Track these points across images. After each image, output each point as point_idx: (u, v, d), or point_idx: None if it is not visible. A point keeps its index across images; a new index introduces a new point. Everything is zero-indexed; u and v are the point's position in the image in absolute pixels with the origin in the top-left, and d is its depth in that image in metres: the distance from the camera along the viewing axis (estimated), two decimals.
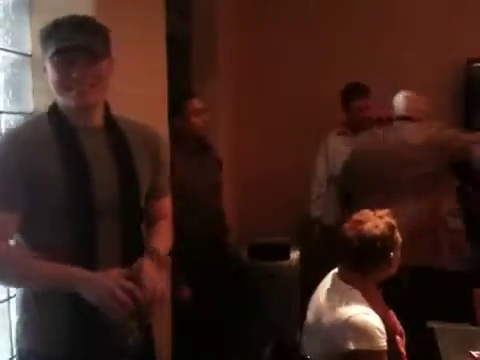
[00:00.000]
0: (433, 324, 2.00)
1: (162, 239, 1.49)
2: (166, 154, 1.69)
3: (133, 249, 1.38)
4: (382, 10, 3.50)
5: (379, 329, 1.56)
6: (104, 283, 1.23)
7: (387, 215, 1.73)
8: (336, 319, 1.59)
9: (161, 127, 2.21)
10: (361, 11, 3.51)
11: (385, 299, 1.78)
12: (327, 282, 1.75)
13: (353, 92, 3.09)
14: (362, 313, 1.58)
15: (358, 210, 1.77)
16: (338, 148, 3.12)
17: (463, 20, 3.41)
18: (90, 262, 1.29)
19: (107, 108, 1.43)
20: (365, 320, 1.56)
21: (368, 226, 1.67)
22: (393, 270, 1.73)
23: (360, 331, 1.55)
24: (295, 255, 3.11)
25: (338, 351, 1.56)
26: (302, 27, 3.56)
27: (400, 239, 1.72)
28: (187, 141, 2.57)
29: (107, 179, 1.35)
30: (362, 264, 1.67)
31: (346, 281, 1.68)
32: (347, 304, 1.61)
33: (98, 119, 1.39)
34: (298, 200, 3.29)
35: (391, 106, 2.78)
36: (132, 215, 1.41)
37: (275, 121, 3.55)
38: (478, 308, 2.28)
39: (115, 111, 1.44)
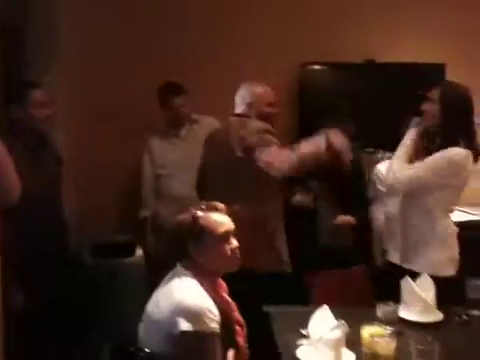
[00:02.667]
0: (269, 308, 2.13)
1: None
2: None
3: None
4: (216, 11, 3.59)
5: (209, 311, 1.62)
6: None
7: (215, 208, 1.80)
8: (169, 304, 1.63)
9: None
10: (195, 11, 3.57)
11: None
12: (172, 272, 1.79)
13: (168, 91, 3.17)
14: (193, 296, 1.64)
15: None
16: (163, 146, 3.22)
17: (297, 25, 3.65)
18: None
19: None
20: (195, 302, 1.61)
21: (184, 216, 1.77)
22: (225, 263, 1.79)
23: (190, 313, 1.59)
24: (140, 252, 3.09)
25: (170, 335, 1.60)
26: (137, 22, 3.52)
27: (220, 230, 1.76)
28: (25, 134, 2.43)
29: None
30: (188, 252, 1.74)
31: (185, 267, 1.74)
32: (180, 289, 1.66)
33: None
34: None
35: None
36: None
37: (117, 116, 3.47)
38: (310, 289, 2.49)
39: None
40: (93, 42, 3.41)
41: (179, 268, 1.76)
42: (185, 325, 1.58)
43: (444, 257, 2.35)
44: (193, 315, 1.59)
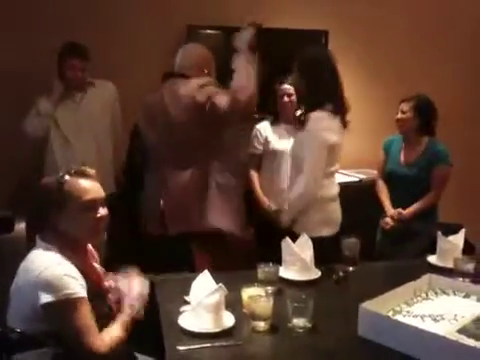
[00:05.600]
0: (152, 277, 2.11)
1: None
2: None
3: None
4: None
5: (70, 277, 1.56)
6: None
7: (84, 173, 1.71)
8: (27, 280, 1.56)
9: None
10: None
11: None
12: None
13: (68, 52, 3.00)
14: (52, 265, 1.56)
15: None
16: (59, 112, 3.04)
17: None
18: None
19: None
20: (52, 272, 1.54)
21: (49, 179, 1.70)
22: (87, 233, 1.71)
23: (48, 284, 1.53)
24: (20, 227, 2.91)
25: (35, 311, 1.53)
26: None
27: (86, 198, 1.67)
28: None
29: None
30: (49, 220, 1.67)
31: (42, 239, 1.66)
32: (36, 262, 1.59)
33: None
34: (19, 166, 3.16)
35: None
36: None
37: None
38: (196, 256, 2.50)
39: None
40: None
41: (38, 241, 1.66)
42: (46, 297, 1.51)
43: (320, 219, 2.45)
44: (51, 285, 1.53)
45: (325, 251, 2.24)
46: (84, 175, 1.70)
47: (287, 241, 2.17)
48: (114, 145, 3.23)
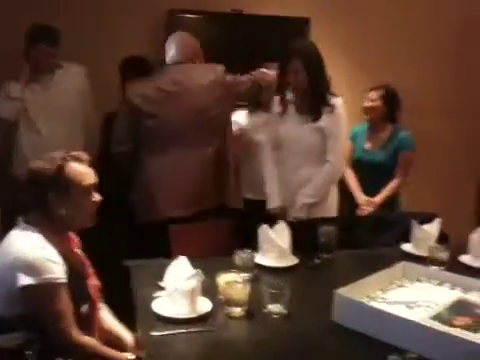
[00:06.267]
0: (129, 262, 2.09)
1: None
2: None
3: None
4: None
5: (50, 261, 1.55)
6: None
7: (79, 158, 1.69)
8: (6, 261, 1.54)
9: None
10: None
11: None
12: None
13: (37, 37, 2.83)
14: (30, 248, 1.55)
15: None
16: (26, 94, 2.90)
17: None
18: None
19: None
20: (33, 254, 1.53)
21: (36, 164, 1.65)
22: (86, 217, 1.71)
23: (28, 266, 1.51)
24: None
25: (14, 293, 1.51)
26: None
27: (87, 182, 1.68)
28: None
29: None
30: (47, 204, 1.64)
31: (27, 222, 1.64)
32: (16, 243, 1.57)
33: None
34: None
35: None
36: None
37: None
38: (173, 243, 2.48)
39: None
40: None
41: (21, 223, 1.65)
42: (26, 279, 1.50)
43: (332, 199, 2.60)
44: (32, 267, 1.51)
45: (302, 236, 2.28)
46: (80, 160, 1.70)
47: (264, 228, 2.16)
48: (86, 131, 3.03)
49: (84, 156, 1.72)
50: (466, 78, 4.26)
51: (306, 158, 2.55)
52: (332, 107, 2.51)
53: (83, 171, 1.69)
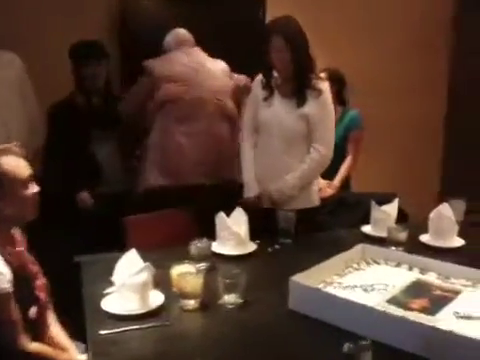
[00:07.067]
0: (80, 258, 2.01)
1: None
2: None
3: None
4: None
5: None
6: None
7: (10, 151, 1.61)
8: None
9: None
10: None
11: None
12: None
13: None
14: None
15: None
16: None
17: None
18: None
19: None
20: None
21: None
22: (27, 209, 1.64)
23: None
24: None
25: None
26: None
27: (24, 174, 1.61)
28: None
29: None
30: None
31: None
32: None
33: None
34: None
35: None
36: None
37: None
38: (128, 235, 2.40)
39: None
40: None
41: None
42: None
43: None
44: None
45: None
46: (11, 152, 1.62)
47: (221, 216, 2.11)
48: (28, 123, 2.71)
49: (14, 148, 1.64)
50: (426, 58, 4.27)
51: (290, 145, 2.40)
52: (318, 92, 2.37)
53: (16, 164, 1.61)
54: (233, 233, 2.08)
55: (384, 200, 2.40)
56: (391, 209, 2.30)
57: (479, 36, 4.25)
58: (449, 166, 4.50)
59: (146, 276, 1.62)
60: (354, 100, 3.32)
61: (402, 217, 2.53)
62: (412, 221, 2.60)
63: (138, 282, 1.60)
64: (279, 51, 2.32)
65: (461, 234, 2.27)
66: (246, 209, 2.20)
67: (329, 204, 2.85)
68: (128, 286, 1.59)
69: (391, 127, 3.39)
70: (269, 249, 2.14)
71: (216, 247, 2.09)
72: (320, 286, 1.66)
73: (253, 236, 2.18)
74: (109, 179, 2.82)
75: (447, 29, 4.34)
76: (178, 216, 2.53)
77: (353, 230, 2.40)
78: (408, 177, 4.17)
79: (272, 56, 2.35)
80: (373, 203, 2.31)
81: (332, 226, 2.57)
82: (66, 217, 2.63)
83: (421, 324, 1.35)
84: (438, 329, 1.33)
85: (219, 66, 2.90)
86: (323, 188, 2.92)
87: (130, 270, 1.62)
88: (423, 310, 1.50)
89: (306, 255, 2.16)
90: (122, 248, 2.21)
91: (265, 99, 2.46)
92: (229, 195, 2.59)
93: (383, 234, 2.17)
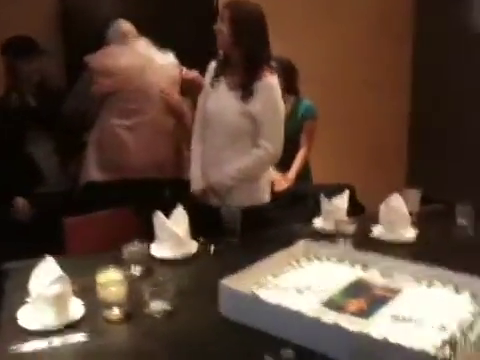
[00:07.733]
0: (9, 265, 1.87)
1: None
2: None
3: None
4: None
5: None
6: None
7: None
8: None
9: None
10: None
11: None
12: None
13: None
14: None
15: None
16: None
17: None
18: None
19: None
20: None
21: None
22: None
23: None
24: None
25: None
26: None
27: None
28: None
29: None
30: None
31: None
32: None
33: None
34: None
35: None
36: None
37: None
38: (67, 237, 2.27)
39: None
40: None
41: None
42: None
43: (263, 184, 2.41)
44: None
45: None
46: None
47: (158, 215, 1.98)
48: None
49: None
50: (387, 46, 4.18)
51: (233, 140, 2.26)
52: (267, 88, 2.21)
53: None
54: (172, 234, 1.95)
55: (338, 191, 2.28)
56: (341, 202, 2.19)
57: (441, 21, 4.19)
58: (415, 158, 4.46)
59: (61, 287, 1.48)
60: (311, 91, 3.21)
61: (359, 209, 2.43)
62: (368, 214, 2.49)
63: (52, 294, 1.47)
64: (221, 21, 2.18)
65: (417, 225, 2.17)
66: (195, 204, 2.10)
67: (283, 197, 2.74)
68: (43, 298, 1.46)
69: (349, 117, 3.29)
70: (211, 249, 2.02)
71: (154, 249, 1.96)
72: (253, 288, 1.54)
73: (201, 233, 2.07)
74: (48, 180, 2.69)
75: (408, 14, 4.26)
76: (122, 216, 2.40)
77: (307, 224, 2.29)
78: (365, 167, 4.09)
79: (214, 28, 2.21)
80: (322, 195, 2.20)
81: (286, 221, 2.46)
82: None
83: (348, 332, 1.22)
84: (368, 336, 1.21)
85: (166, 59, 2.80)
86: (277, 181, 2.80)
87: (45, 280, 1.49)
88: (359, 312, 1.39)
89: (252, 255, 2.02)
90: (61, 252, 2.11)
91: (212, 85, 2.33)
92: (175, 191, 2.49)
93: (333, 228, 2.06)
